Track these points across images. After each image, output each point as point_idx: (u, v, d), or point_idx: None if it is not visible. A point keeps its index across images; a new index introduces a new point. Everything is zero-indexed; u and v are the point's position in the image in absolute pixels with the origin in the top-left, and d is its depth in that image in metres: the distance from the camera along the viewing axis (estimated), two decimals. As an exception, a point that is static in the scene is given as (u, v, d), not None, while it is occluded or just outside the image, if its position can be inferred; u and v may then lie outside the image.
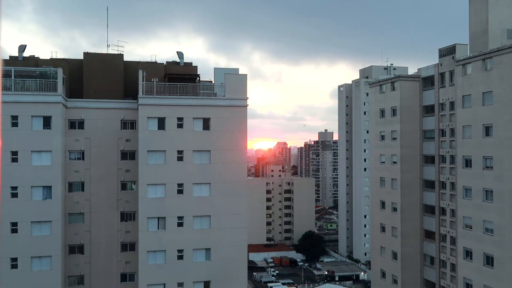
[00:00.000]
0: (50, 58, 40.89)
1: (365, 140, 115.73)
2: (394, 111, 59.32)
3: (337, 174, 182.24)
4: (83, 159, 38.57)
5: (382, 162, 61.92)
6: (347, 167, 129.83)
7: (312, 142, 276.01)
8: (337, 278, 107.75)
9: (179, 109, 38.16)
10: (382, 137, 61.92)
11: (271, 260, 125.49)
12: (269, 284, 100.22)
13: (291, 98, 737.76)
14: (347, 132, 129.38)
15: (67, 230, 37.82)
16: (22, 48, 40.44)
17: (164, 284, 37.60)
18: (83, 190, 38.55)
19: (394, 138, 59.13)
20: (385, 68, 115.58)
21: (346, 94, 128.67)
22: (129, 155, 39.43)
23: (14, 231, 35.39)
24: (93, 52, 41.45)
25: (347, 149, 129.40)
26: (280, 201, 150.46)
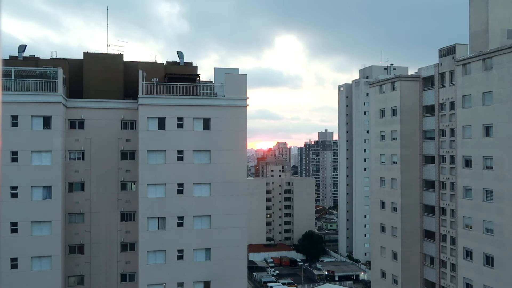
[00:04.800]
0: (50, 58, 40.86)
1: (365, 140, 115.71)
2: (394, 111, 59.33)
3: (337, 174, 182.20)
4: (83, 159, 38.56)
5: (382, 162, 61.93)
6: (347, 167, 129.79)
7: (312, 142, 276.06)
8: (337, 278, 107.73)
9: (179, 109, 38.16)
10: (382, 137, 61.93)
11: (271, 260, 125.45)
12: (269, 284, 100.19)
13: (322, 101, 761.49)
14: (347, 132, 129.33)
15: (67, 230, 37.82)
16: (22, 48, 40.44)
17: (164, 284, 37.61)
18: (83, 190, 38.54)
19: (394, 138, 59.14)
20: (385, 68, 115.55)
21: (346, 94, 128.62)
22: (129, 155, 39.43)
23: (14, 231, 35.37)
24: (93, 52, 41.46)
25: (347, 149, 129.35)
26: (280, 201, 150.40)
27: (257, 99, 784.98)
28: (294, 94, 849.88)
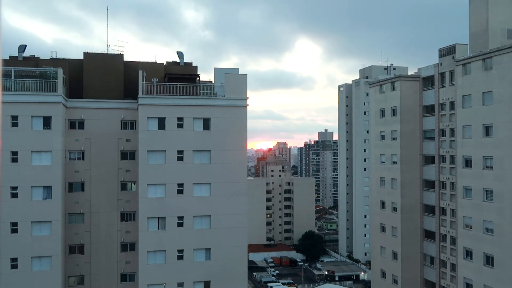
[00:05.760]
0: (50, 58, 40.86)
1: (365, 140, 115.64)
2: (394, 111, 59.33)
3: (337, 174, 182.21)
4: (83, 159, 38.56)
5: (382, 162, 61.93)
6: (347, 167, 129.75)
7: (312, 142, 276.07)
8: (337, 278, 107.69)
9: (179, 109, 38.16)
10: (382, 137, 61.93)
11: (271, 260, 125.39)
12: (269, 284, 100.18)
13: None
14: (347, 132, 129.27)
15: (67, 230, 37.82)
16: (22, 48, 40.43)
17: (164, 284, 37.61)
18: (83, 190, 38.54)
19: (394, 138, 59.15)
20: (385, 68, 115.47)
21: (346, 94, 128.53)
22: (129, 155, 39.43)
23: (14, 231, 35.38)
24: (93, 52, 41.44)
25: (347, 149, 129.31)
26: (280, 201, 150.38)
27: (269, 100, 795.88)
28: (305, 95, 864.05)
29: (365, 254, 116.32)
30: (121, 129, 39.45)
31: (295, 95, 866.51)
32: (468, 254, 47.46)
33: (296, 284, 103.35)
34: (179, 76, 40.50)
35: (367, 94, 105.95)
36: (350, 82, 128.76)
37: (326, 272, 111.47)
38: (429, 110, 56.76)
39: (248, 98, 39.65)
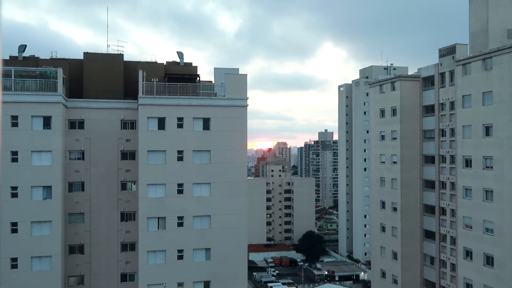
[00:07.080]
0: (50, 58, 40.84)
1: (365, 140, 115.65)
2: (394, 111, 59.34)
3: (337, 174, 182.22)
4: (83, 159, 38.56)
5: (382, 162, 61.94)
6: (347, 167, 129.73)
7: (312, 142, 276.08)
8: (337, 278, 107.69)
9: (179, 109, 38.16)
10: (382, 137, 61.94)
11: (271, 260, 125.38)
12: (269, 284, 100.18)
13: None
14: (347, 132, 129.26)
15: (67, 230, 37.82)
16: (22, 48, 40.42)
17: (164, 284, 37.61)
18: (83, 190, 38.54)
19: (394, 138, 59.16)
20: (385, 68, 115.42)
21: (346, 94, 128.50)
22: (129, 155, 39.42)
23: (14, 231, 35.37)
24: (93, 52, 41.43)
25: (347, 149, 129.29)
26: (280, 201, 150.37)
27: (284, 101, 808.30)
28: (319, 97, 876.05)
29: (365, 254, 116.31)
30: (121, 129, 39.45)
31: (311, 96, 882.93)
32: (468, 254, 47.47)
33: (296, 284, 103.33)
34: (179, 76, 40.50)
35: (367, 94, 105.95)
36: (350, 82, 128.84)
37: (326, 272, 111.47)
38: (429, 110, 56.78)
39: (248, 98, 39.68)
